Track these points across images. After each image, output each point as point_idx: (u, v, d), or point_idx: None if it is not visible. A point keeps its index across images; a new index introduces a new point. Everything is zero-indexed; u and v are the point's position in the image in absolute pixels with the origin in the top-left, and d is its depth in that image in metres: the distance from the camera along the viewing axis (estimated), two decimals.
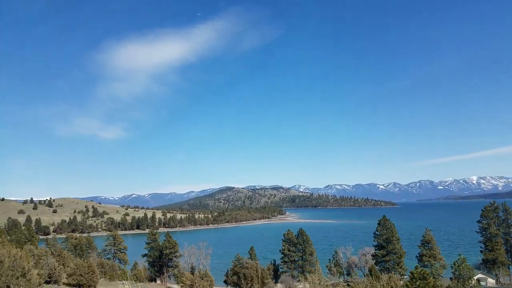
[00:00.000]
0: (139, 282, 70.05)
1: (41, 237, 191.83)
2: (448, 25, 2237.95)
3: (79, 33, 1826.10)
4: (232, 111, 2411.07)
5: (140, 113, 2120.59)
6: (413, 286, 32.60)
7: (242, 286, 67.64)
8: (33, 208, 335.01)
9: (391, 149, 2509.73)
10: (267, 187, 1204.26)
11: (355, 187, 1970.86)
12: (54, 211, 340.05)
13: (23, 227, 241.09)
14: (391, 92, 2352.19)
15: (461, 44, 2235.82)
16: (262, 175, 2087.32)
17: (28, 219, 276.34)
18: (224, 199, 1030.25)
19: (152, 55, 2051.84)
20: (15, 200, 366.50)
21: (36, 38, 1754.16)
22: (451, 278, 69.26)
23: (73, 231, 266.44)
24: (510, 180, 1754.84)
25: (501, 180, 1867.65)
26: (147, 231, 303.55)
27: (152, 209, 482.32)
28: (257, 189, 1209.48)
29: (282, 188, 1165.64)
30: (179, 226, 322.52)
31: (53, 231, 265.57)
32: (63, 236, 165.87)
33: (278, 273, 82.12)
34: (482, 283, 73.77)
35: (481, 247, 78.34)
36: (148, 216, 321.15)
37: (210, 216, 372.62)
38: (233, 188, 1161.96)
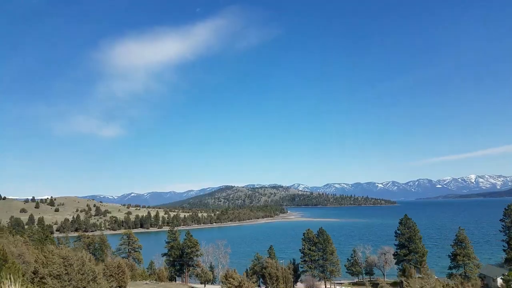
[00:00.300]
0: (161, 282, 69.04)
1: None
2: (447, 25, 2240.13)
3: (77, 31, 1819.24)
4: (230, 110, 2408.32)
5: (138, 111, 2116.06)
6: None
7: (267, 285, 66.58)
8: (35, 207, 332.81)
9: (390, 148, 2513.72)
10: (267, 186, 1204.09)
11: (354, 186, 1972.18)
12: (56, 210, 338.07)
13: (26, 226, 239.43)
14: (390, 92, 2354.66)
15: (461, 44, 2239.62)
16: (261, 174, 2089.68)
17: (31, 218, 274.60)
18: (224, 198, 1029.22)
19: (151, 53, 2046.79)
20: (16, 199, 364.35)
21: (34, 37, 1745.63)
22: (481, 278, 68.24)
23: (76, 230, 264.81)
24: (508, 178, 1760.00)
25: (499, 179, 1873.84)
26: (151, 229, 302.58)
27: (154, 207, 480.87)
28: (256, 188, 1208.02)
29: (282, 187, 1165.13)
30: (183, 225, 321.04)
31: (56, 230, 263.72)
32: (68, 234, 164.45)
33: (298, 272, 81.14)
34: None
35: (503, 246, 77.45)
36: (152, 215, 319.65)
37: (213, 215, 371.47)
38: (232, 187, 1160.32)
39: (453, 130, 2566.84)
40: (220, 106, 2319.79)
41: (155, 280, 69.96)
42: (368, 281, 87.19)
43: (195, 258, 75.98)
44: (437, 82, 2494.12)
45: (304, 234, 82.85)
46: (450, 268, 71.33)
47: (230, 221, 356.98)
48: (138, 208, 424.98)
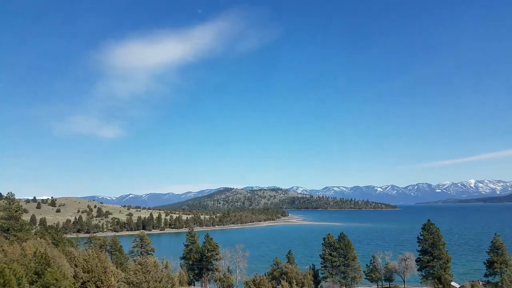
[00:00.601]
0: (181, 286, 66.83)
1: None
2: (447, 26, 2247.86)
3: (78, 32, 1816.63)
4: (230, 112, 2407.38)
5: (138, 112, 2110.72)
6: None
7: None
8: (37, 207, 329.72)
9: (389, 151, 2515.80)
10: (265, 188, 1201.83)
11: (353, 189, 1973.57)
12: (58, 211, 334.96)
13: (27, 226, 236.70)
14: (390, 93, 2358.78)
15: (461, 46, 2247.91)
16: (259, 176, 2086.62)
17: (33, 219, 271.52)
18: (223, 200, 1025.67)
19: (152, 55, 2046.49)
20: (17, 199, 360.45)
21: (33, 36, 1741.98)
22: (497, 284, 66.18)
23: (78, 231, 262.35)
24: (508, 183, 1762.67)
25: (499, 184, 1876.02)
26: (153, 231, 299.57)
27: (153, 209, 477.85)
28: (255, 190, 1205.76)
29: (281, 189, 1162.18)
30: (185, 227, 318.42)
31: (58, 231, 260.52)
32: (70, 235, 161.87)
33: (318, 278, 79.06)
34: None
35: None
36: (154, 217, 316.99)
37: (214, 217, 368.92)
38: (231, 189, 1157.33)
39: (452, 134, 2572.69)
40: (219, 108, 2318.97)
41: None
42: (387, 287, 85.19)
43: (214, 262, 73.89)
44: (437, 84, 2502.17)
45: (324, 239, 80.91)
46: (486, 275, 69.45)
47: (233, 223, 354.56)
48: (139, 209, 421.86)
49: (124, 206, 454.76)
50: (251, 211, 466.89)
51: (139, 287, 23.84)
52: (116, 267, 62.31)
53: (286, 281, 74.28)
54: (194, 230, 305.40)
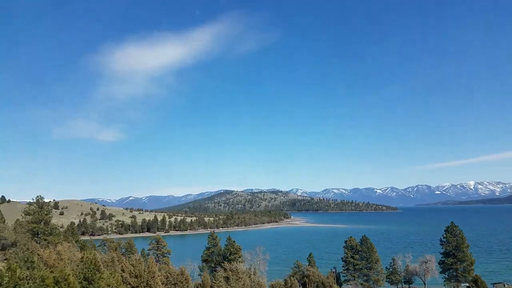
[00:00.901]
0: None
1: None
2: (446, 31, 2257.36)
3: (77, 34, 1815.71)
4: (229, 114, 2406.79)
5: (137, 114, 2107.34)
6: None
7: None
8: None
9: (389, 153, 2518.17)
10: (265, 190, 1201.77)
11: (353, 191, 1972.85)
12: (61, 213, 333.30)
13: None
14: (389, 96, 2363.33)
15: (461, 50, 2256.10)
16: (259, 178, 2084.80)
17: None
18: (224, 202, 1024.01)
19: (151, 57, 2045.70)
20: (20, 202, 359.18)
21: (33, 39, 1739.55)
22: None
23: (83, 233, 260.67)
24: (507, 185, 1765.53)
25: (498, 185, 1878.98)
26: (157, 234, 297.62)
27: (155, 211, 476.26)
28: (255, 192, 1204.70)
29: (281, 191, 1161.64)
30: (190, 229, 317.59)
31: (75, 234, 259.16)
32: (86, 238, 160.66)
33: (340, 281, 78.39)
34: None
35: None
36: (158, 219, 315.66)
37: (218, 219, 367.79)
38: (231, 191, 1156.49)
39: (452, 136, 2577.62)
40: (218, 110, 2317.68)
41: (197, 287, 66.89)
42: None
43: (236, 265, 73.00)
44: (437, 87, 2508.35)
45: (346, 242, 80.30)
46: None
47: (237, 225, 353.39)
48: (141, 212, 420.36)
49: (127, 209, 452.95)
50: (253, 213, 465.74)
51: None
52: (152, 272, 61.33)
53: (309, 284, 73.72)
54: (199, 232, 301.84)
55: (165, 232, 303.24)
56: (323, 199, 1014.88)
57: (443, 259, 77.97)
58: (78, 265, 29.90)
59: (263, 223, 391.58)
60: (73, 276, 31.94)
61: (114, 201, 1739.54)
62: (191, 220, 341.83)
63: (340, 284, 78.69)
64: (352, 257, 77.32)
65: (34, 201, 50.34)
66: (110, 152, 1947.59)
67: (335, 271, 79.52)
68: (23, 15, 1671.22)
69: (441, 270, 78.56)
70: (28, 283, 21.26)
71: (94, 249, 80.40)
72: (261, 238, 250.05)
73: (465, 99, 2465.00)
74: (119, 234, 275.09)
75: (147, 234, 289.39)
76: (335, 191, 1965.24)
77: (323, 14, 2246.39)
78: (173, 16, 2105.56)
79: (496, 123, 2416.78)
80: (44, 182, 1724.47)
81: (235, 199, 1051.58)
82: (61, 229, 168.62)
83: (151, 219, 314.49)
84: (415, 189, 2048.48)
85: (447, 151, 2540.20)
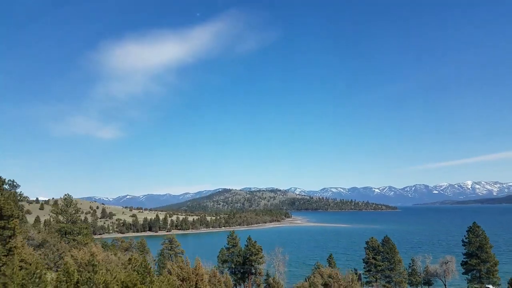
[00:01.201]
0: None
1: None
2: (446, 31, 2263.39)
3: (76, 32, 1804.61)
4: (228, 113, 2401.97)
5: (136, 113, 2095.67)
6: None
7: None
8: (40, 209, 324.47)
9: (387, 153, 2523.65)
10: (264, 189, 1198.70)
11: (351, 190, 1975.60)
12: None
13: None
14: (387, 96, 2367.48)
15: (459, 49, 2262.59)
16: (257, 177, 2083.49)
17: (37, 220, 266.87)
18: (222, 201, 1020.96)
19: (151, 56, 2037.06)
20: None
21: (32, 37, 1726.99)
22: None
23: None
24: (504, 185, 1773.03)
25: (495, 185, 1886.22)
26: (159, 233, 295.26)
27: (155, 210, 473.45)
28: (253, 191, 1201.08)
29: (279, 190, 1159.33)
30: (192, 229, 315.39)
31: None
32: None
33: (361, 282, 76.67)
34: None
35: None
36: (160, 218, 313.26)
37: (219, 218, 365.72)
38: (230, 190, 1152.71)
39: (449, 136, 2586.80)
40: (217, 109, 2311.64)
41: None
42: None
43: (257, 266, 71.24)
44: (434, 86, 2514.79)
45: (367, 242, 78.64)
46: None
47: (238, 225, 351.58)
48: (141, 210, 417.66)
49: (126, 207, 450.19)
50: (254, 212, 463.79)
51: None
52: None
53: (333, 286, 71.84)
54: (201, 231, 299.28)
55: (167, 231, 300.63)
56: (323, 198, 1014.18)
57: (465, 259, 76.43)
58: (125, 267, 27.89)
59: (265, 222, 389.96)
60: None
61: (111, 199, 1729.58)
62: (193, 219, 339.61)
63: (362, 286, 77.04)
64: (374, 258, 75.67)
65: (62, 198, 48.10)
66: (108, 150, 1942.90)
67: (358, 272, 77.75)
68: (23, 14, 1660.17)
69: (463, 271, 77.04)
70: None
71: (116, 249, 78.29)
72: (266, 237, 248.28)
73: (463, 98, 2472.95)
74: (121, 233, 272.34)
75: (149, 233, 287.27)
76: (333, 190, 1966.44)
77: (323, 12, 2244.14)
78: (173, 14, 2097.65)
79: (494, 123, 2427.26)
80: (42, 179, 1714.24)
81: (234, 197, 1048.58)
82: None
83: (153, 218, 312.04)
84: (413, 188, 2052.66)
85: (445, 151, 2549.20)
